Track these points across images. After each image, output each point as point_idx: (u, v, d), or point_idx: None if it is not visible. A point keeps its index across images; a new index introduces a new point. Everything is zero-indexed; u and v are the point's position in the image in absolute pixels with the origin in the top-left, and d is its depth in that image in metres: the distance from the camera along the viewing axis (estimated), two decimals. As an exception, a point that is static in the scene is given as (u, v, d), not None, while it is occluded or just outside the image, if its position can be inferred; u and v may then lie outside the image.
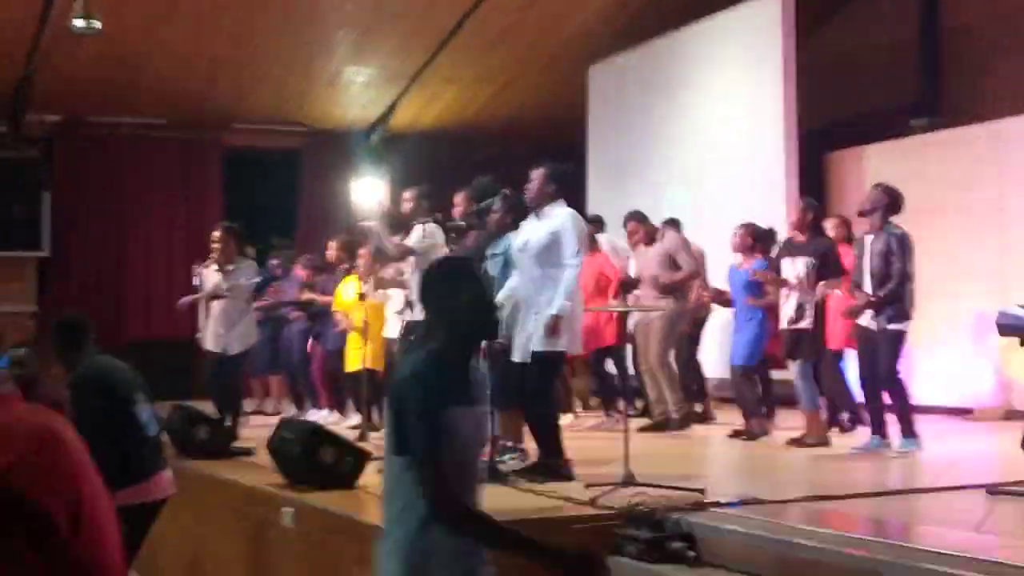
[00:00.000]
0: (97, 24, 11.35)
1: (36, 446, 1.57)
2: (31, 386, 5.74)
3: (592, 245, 10.28)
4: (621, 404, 9.10)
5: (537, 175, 7.14)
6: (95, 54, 12.83)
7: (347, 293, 10.52)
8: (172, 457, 8.41)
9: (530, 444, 7.31)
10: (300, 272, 11.91)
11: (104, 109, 14.41)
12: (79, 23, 11.32)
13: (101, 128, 14.66)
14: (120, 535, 1.82)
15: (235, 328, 9.95)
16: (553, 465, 6.86)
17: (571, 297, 6.91)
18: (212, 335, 10.00)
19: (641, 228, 9.94)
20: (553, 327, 6.78)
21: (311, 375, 11.42)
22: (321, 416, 10.84)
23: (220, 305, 9.96)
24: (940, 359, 10.99)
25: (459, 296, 3.15)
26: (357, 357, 10.08)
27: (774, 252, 9.26)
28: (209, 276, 10.11)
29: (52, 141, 14.55)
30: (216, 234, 10.12)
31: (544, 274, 6.91)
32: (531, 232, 7.08)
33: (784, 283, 8.58)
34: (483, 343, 7.10)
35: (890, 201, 7.99)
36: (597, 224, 10.62)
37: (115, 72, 13.59)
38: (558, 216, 6.99)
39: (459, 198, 8.34)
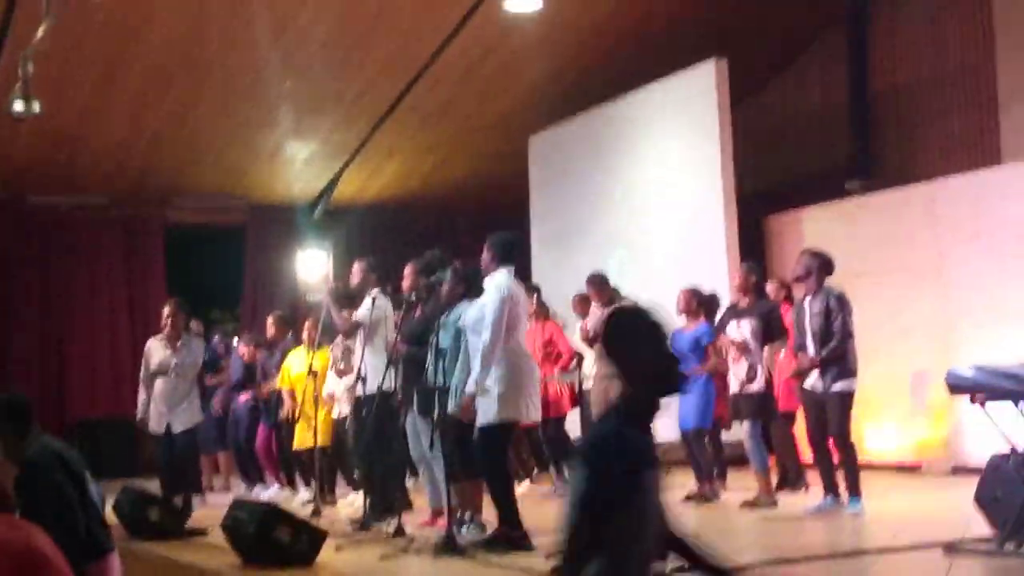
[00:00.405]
0: (36, 107, 11.21)
1: (22, 568, 1.52)
2: None
3: (542, 313, 10.36)
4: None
5: (483, 250, 7.27)
6: (34, 133, 12.78)
7: (295, 367, 10.44)
8: (123, 539, 8.32)
9: (488, 515, 7.31)
10: (242, 350, 11.81)
11: (44, 188, 14.32)
12: (18, 106, 11.16)
13: (42, 208, 14.55)
14: None
15: (179, 406, 9.83)
16: (511, 536, 6.87)
17: (515, 366, 6.97)
18: (156, 414, 9.86)
19: (602, 291, 9.99)
20: (465, 407, 6.90)
21: (263, 452, 11.30)
22: (270, 493, 10.74)
23: (164, 383, 9.83)
24: (883, 416, 11.15)
25: (641, 347, 3.07)
26: (306, 434, 10.02)
27: (718, 316, 9.39)
28: (155, 352, 9.99)
29: (-9, 221, 14.42)
30: (166, 309, 10.03)
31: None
32: (471, 306, 7.21)
33: (743, 346, 8.67)
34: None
35: (822, 263, 8.18)
36: (533, 292, 10.68)
37: (54, 151, 13.54)
38: (488, 286, 7.10)
39: (408, 270, 8.39)
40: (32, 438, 5.65)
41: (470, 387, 6.92)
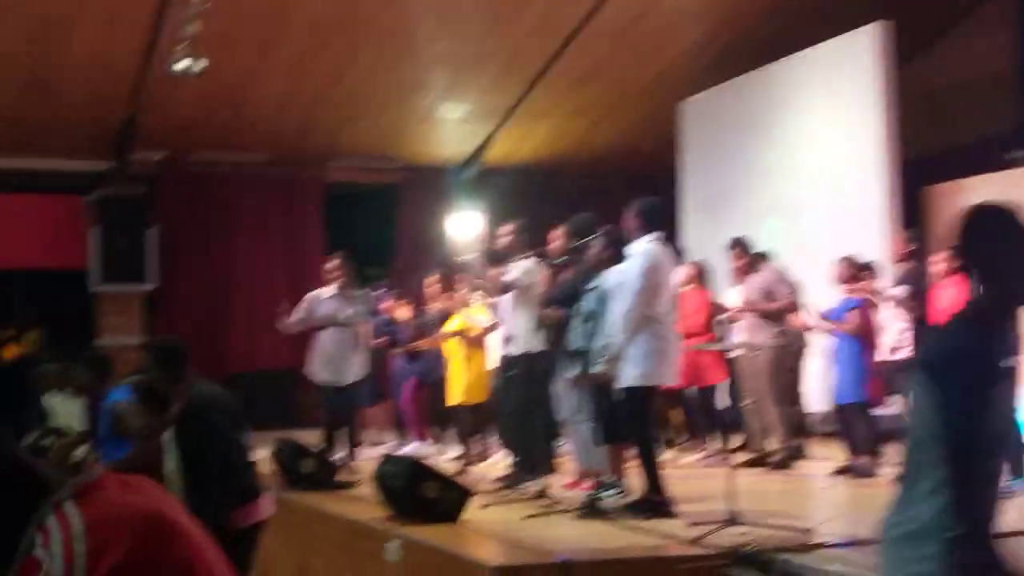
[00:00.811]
0: (199, 66, 11.50)
1: (146, 535, 1.48)
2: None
3: (700, 282, 10.24)
4: (726, 440, 9.07)
5: (626, 216, 7.25)
6: (197, 93, 13.14)
7: (449, 327, 10.58)
8: (278, 489, 8.58)
9: (632, 480, 7.33)
10: (387, 306, 11.92)
11: (207, 146, 14.73)
12: (181, 65, 11.44)
13: (204, 165, 14.97)
14: None
15: (349, 358, 9.88)
16: (655, 502, 6.87)
17: (657, 332, 6.95)
18: (323, 366, 9.94)
19: (745, 256, 9.87)
20: (604, 371, 6.89)
21: (407, 407, 11.48)
22: (414, 448, 10.91)
23: (333, 335, 9.88)
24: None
25: (1004, 244, 2.79)
26: (458, 391, 10.16)
27: (876, 284, 9.19)
28: (324, 303, 10.04)
29: (157, 178, 14.89)
30: (336, 262, 10.08)
31: None
32: (618, 269, 7.21)
33: (880, 298, 8.47)
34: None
35: None
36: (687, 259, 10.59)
37: (217, 110, 13.90)
38: (632, 252, 7.08)
39: (557, 233, 8.42)
40: (190, 382, 5.91)
41: (610, 351, 6.93)
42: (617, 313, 7.01)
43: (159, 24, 11.96)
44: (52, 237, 14.58)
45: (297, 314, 10.10)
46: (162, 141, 14.47)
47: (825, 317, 9.13)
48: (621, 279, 7.07)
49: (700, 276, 10.29)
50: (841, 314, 9.02)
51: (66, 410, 9.02)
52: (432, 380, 10.94)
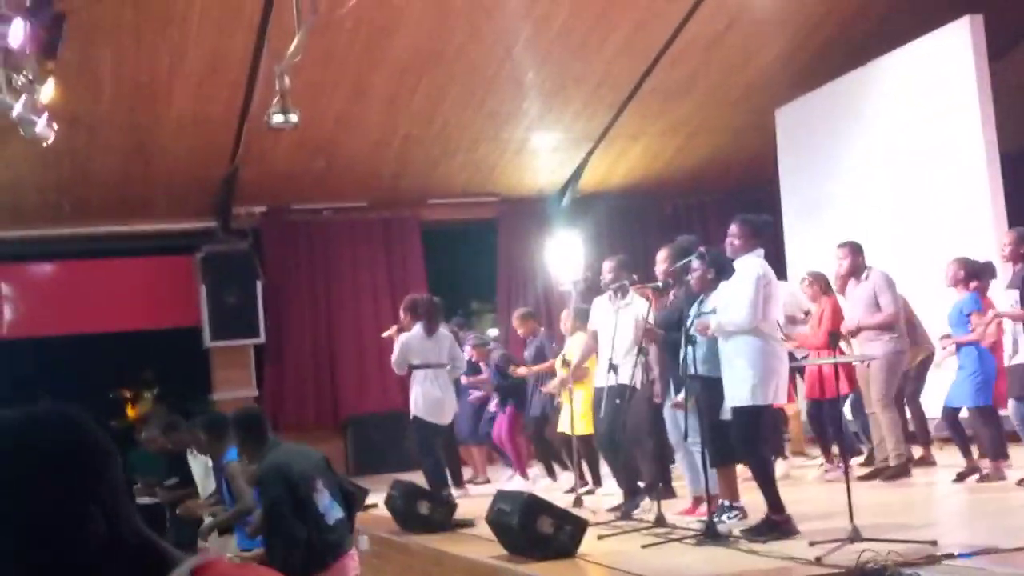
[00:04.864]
0: (294, 118, 11.71)
1: None
2: None
3: (824, 291, 9.93)
4: (846, 453, 8.87)
5: (732, 229, 7.14)
6: (293, 145, 13.36)
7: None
8: (395, 533, 8.65)
9: (748, 500, 7.23)
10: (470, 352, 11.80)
11: (306, 197, 14.96)
12: (277, 119, 11.68)
13: (304, 215, 15.22)
14: None
15: (443, 398, 10.01)
16: (774, 522, 6.76)
17: (766, 349, 6.85)
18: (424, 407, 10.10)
19: (852, 258, 9.47)
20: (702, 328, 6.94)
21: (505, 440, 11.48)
22: (516, 482, 10.88)
23: (428, 376, 10.07)
24: None
25: None
26: (567, 421, 10.10)
27: (992, 286, 8.92)
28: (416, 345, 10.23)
29: (260, 232, 15.15)
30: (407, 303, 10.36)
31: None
32: (722, 290, 7.10)
33: (1001, 319, 8.25)
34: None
35: None
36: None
37: (313, 159, 14.11)
38: (741, 270, 6.99)
39: (661, 256, 8.33)
40: (267, 448, 5.96)
41: (714, 322, 6.92)
42: (725, 327, 6.93)
43: (252, 80, 12.18)
44: (163, 297, 14.92)
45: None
46: (262, 194, 14.73)
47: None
48: (728, 298, 6.98)
49: (823, 286, 9.95)
50: (960, 318, 8.79)
51: (196, 467, 9.23)
52: (531, 412, 10.94)
